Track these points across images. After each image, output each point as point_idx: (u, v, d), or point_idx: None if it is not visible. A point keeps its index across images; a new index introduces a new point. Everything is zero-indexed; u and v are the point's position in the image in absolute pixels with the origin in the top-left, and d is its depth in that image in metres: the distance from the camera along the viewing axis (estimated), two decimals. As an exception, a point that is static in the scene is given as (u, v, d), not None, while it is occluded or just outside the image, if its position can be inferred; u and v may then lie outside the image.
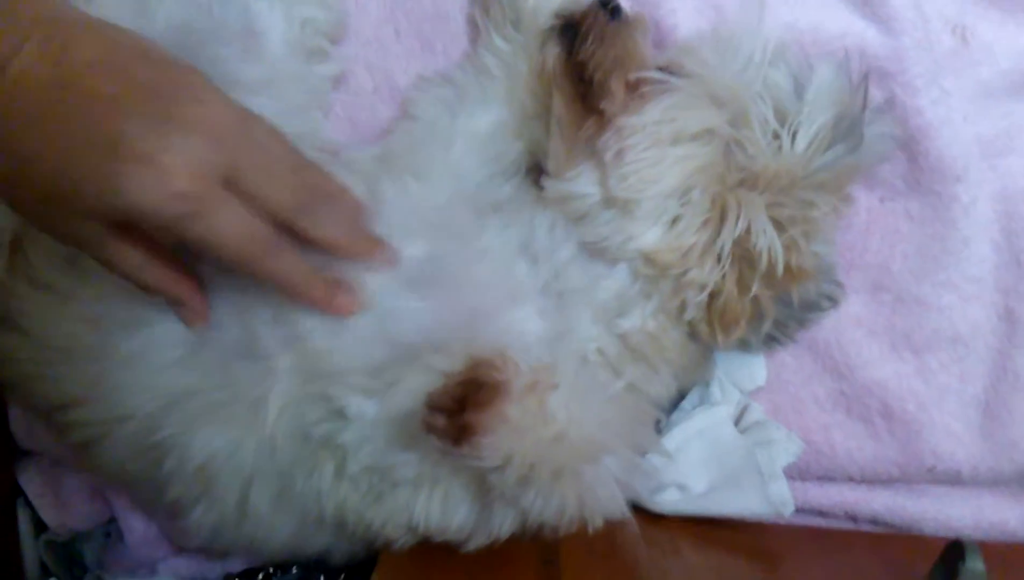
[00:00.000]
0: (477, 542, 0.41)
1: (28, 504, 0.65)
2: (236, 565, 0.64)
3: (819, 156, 0.44)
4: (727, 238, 0.43)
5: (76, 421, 0.48)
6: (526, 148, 0.53)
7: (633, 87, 0.44)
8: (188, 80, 0.38)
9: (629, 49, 0.44)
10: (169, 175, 0.35)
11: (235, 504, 0.48)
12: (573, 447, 0.38)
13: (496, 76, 0.52)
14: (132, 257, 0.39)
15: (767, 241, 0.42)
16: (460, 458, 0.37)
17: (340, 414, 0.43)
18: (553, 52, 0.47)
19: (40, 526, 0.66)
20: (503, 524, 0.41)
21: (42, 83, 0.35)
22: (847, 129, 0.44)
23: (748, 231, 0.43)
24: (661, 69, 0.46)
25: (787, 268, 0.43)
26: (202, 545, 0.59)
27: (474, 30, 0.56)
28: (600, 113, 0.44)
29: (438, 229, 0.48)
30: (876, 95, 0.50)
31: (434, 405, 0.37)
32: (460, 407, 0.37)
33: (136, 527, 0.66)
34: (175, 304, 0.43)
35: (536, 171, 0.53)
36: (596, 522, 0.39)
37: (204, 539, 0.54)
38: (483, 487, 0.40)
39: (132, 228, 0.37)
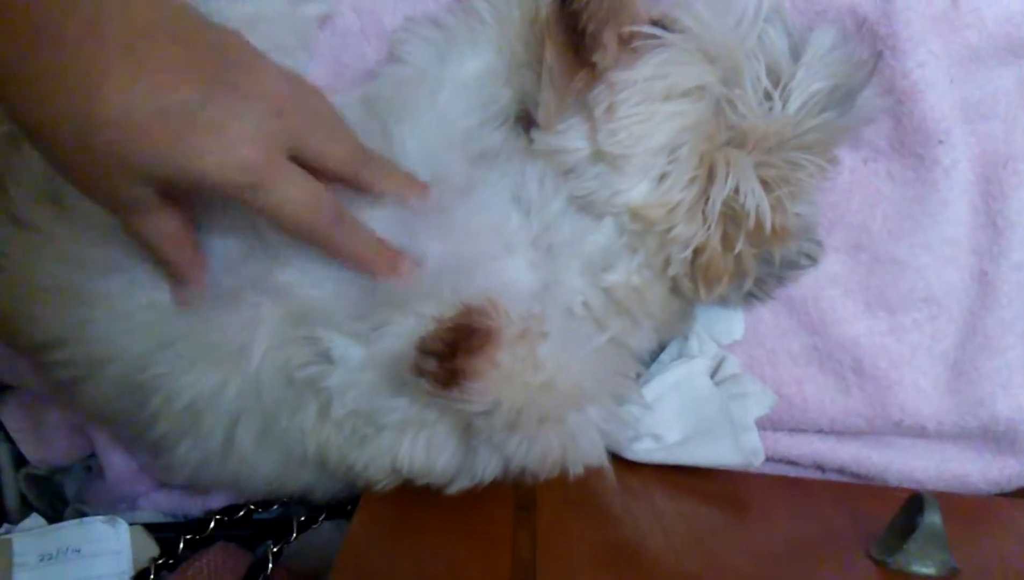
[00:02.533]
0: (459, 485, 0.43)
1: (8, 438, 0.66)
2: (217, 501, 0.65)
3: (810, 119, 0.44)
4: (715, 197, 0.44)
5: (59, 361, 0.49)
6: (516, 96, 0.54)
7: (626, 40, 0.44)
8: (241, 47, 0.39)
9: (624, 1, 0.44)
10: (238, 145, 0.36)
11: (220, 442, 0.49)
12: (559, 394, 0.40)
13: (487, 21, 0.52)
14: (165, 228, 0.41)
15: (754, 201, 0.43)
16: (449, 402, 0.39)
17: (326, 357, 0.44)
18: (547, 0, 0.47)
19: (20, 460, 0.67)
20: (486, 468, 0.42)
21: (110, 48, 0.34)
22: (841, 97, 0.44)
23: (736, 190, 0.44)
24: (655, 22, 0.46)
25: (772, 228, 0.44)
26: (185, 482, 0.61)
27: (465, -27, 0.55)
28: (592, 66, 0.44)
29: (428, 174, 0.49)
30: (864, 54, 0.50)
31: (425, 348, 0.38)
32: (451, 352, 0.38)
33: (117, 463, 0.67)
34: (180, 283, 0.44)
35: (526, 119, 0.53)
36: (576, 469, 0.41)
37: (188, 475, 0.55)
38: (468, 431, 0.42)
39: (175, 199, 0.38)
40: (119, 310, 0.46)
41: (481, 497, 0.43)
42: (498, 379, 0.38)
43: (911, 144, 0.54)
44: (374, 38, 0.58)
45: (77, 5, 0.34)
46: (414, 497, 0.44)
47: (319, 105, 0.42)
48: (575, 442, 0.41)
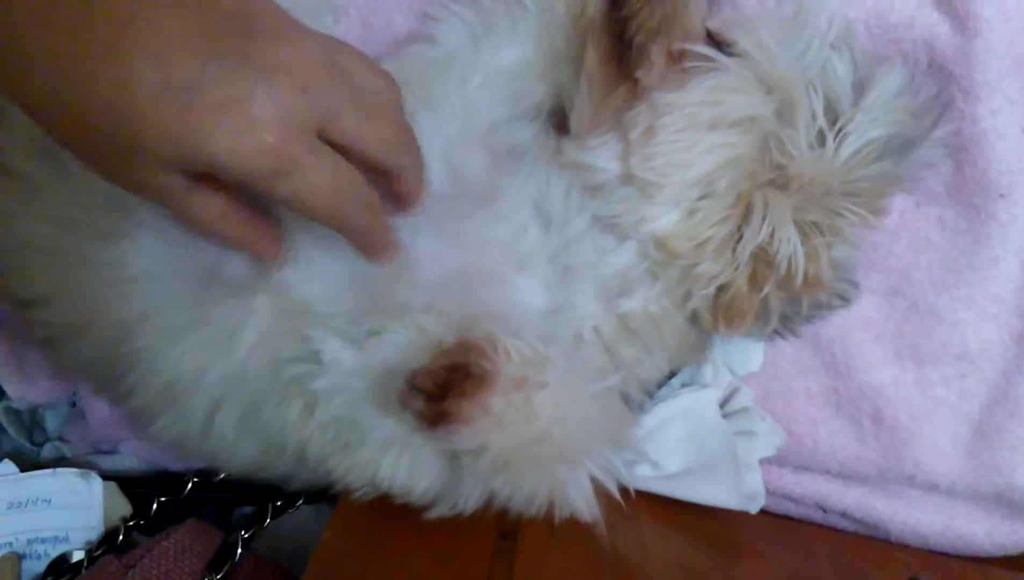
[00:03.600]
0: (440, 511, 0.42)
1: (-12, 370, 0.66)
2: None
3: (862, 167, 0.42)
4: (748, 240, 0.42)
5: (41, 321, 0.48)
6: (552, 91, 0.52)
7: (676, 58, 0.42)
8: (267, 11, 0.35)
9: (679, 11, 0.42)
10: (257, 126, 0.33)
11: (200, 422, 0.49)
12: (553, 447, 0.39)
13: (529, 9, 0.50)
14: (210, 208, 0.37)
15: (789, 250, 0.42)
16: (434, 439, 0.38)
17: (315, 358, 0.43)
18: (596, -1, 0.45)
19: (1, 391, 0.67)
20: (469, 498, 0.42)
21: (106, 19, 0.32)
22: (899, 148, 0.42)
23: (771, 235, 0.42)
24: (712, 37, 0.44)
25: (805, 278, 0.43)
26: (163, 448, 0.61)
27: (511, -52, 0.53)
28: (634, 81, 0.42)
29: (448, 166, 0.47)
30: (932, 88, 0.48)
31: (415, 385, 0.38)
32: (441, 392, 0.37)
33: (100, 409, 0.68)
34: (254, 255, 0.42)
35: (559, 116, 0.52)
36: (563, 513, 0.40)
37: (165, 446, 0.55)
38: (454, 459, 0.41)
39: (211, 177, 0.35)
40: (106, 277, 0.46)
41: (461, 521, 0.43)
42: (488, 425, 0.37)
43: (969, 193, 0.53)
44: (405, 6, 0.56)
45: None
46: (392, 512, 0.43)
47: (359, 73, 0.38)
48: (565, 491, 0.40)
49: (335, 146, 0.36)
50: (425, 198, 0.43)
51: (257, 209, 0.40)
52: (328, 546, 0.42)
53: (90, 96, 0.32)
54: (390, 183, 0.40)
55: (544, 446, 0.39)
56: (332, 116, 0.35)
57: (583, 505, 0.40)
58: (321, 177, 0.36)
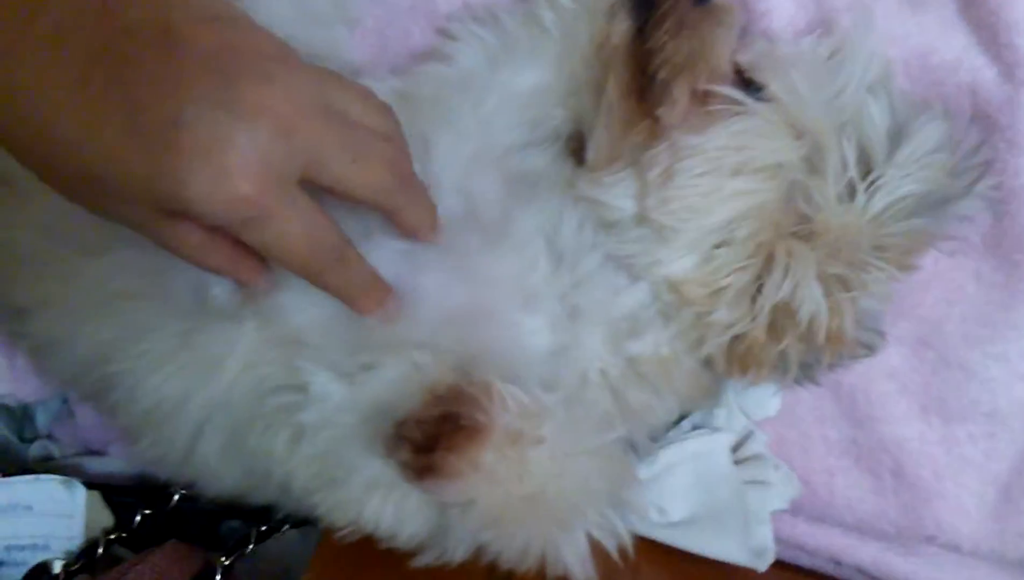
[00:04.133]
0: (426, 559, 0.41)
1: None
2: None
3: (893, 223, 0.41)
4: (768, 294, 0.41)
5: (25, 331, 0.48)
6: (569, 117, 0.51)
7: (701, 98, 0.41)
8: (258, 49, 0.34)
9: (707, 47, 0.41)
10: (232, 175, 0.32)
11: (182, 447, 0.49)
12: (547, 507, 0.38)
13: (551, 33, 0.49)
14: (190, 239, 0.36)
15: (812, 305, 0.40)
16: (420, 490, 0.37)
17: (303, 388, 0.43)
18: (621, 28, 0.44)
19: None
20: (457, 548, 0.41)
21: (79, 54, 0.31)
22: (934, 205, 0.41)
23: (793, 289, 0.41)
24: (740, 73, 0.42)
25: (827, 334, 0.41)
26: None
27: (535, -33, 0.52)
28: (655, 119, 0.41)
29: (459, 191, 0.47)
30: (975, 140, 0.46)
31: (402, 435, 0.37)
32: (430, 444, 0.36)
33: (88, 414, 0.67)
34: (238, 282, 0.42)
35: (575, 141, 0.51)
36: (556, 571, 0.39)
37: (148, 465, 0.55)
38: (442, 508, 0.40)
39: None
40: (88, 292, 0.45)
41: (450, 568, 0.42)
42: (477, 482, 0.36)
43: (1008, 248, 0.51)
44: (424, 19, 0.56)
45: (45, 10, 0.31)
46: (375, 556, 0.43)
47: (351, 110, 0.37)
48: (558, 550, 0.39)
49: (324, 188, 0.36)
50: (437, 232, 0.43)
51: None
52: (309, 589, 0.41)
53: (58, 132, 0.31)
54: (391, 220, 0.40)
55: (537, 505, 0.38)
56: (317, 162, 0.35)
57: (578, 565, 0.39)
58: (294, 228, 0.35)
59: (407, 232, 0.41)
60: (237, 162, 0.32)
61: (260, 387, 0.44)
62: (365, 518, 0.42)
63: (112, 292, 0.45)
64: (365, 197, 0.38)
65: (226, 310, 0.44)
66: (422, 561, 0.41)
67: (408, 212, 0.40)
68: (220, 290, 0.44)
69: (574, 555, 0.39)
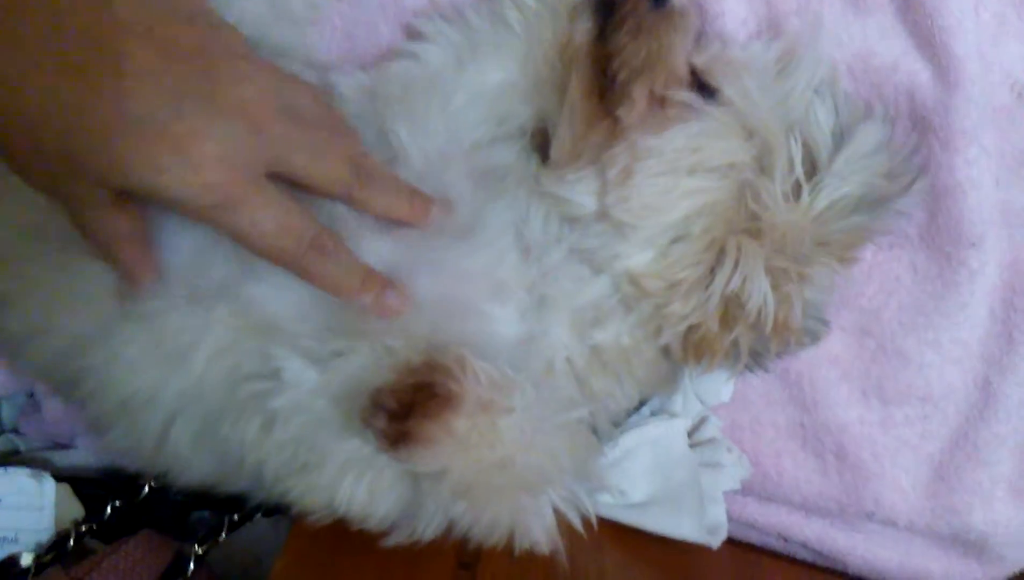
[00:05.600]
0: (397, 538, 0.42)
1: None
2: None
3: (835, 220, 0.43)
4: (719, 285, 0.43)
5: None
6: (535, 114, 0.52)
7: (658, 102, 0.43)
8: (233, 50, 0.37)
9: (664, 49, 0.43)
10: (202, 165, 0.35)
11: (154, 437, 0.49)
12: (515, 474, 0.39)
13: (516, 33, 0.50)
14: (117, 227, 0.39)
15: (760, 298, 0.43)
16: (394, 459, 0.38)
17: (275, 375, 0.43)
18: (583, 29, 0.45)
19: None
20: (429, 525, 0.42)
21: (72, 41, 0.33)
22: (873, 204, 0.44)
23: (743, 282, 0.43)
24: (696, 77, 0.44)
25: (774, 324, 0.44)
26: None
27: (501, -35, 0.53)
28: (615, 119, 0.43)
29: (427, 186, 0.48)
30: (912, 144, 0.49)
31: (378, 403, 0.38)
32: (405, 412, 0.37)
33: (55, 406, 0.67)
34: (129, 281, 0.43)
35: (540, 136, 0.52)
36: (523, 545, 0.41)
37: (119, 455, 0.55)
38: (415, 485, 0.41)
39: (129, 199, 0.37)
40: (63, 286, 0.45)
41: (420, 549, 0.43)
42: (450, 448, 0.37)
43: (941, 241, 0.54)
44: (393, 17, 0.56)
45: (39, 3, 0.33)
46: (348, 540, 0.43)
47: (315, 114, 0.40)
48: (526, 521, 0.40)
49: (290, 181, 0.38)
50: (424, 215, 0.45)
51: (150, 245, 0.42)
52: (281, 576, 0.42)
53: (46, 118, 0.33)
54: (364, 210, 0.42)
55: (507, 473, 0.39)
56: (282, 158, 0.38)
57: (543, 536, 0.40)
58: (266, 216, 0.38)
59: (390, 219, 0.43)
60: (211, 153, 0.35)
61: (232, 375, 0.45)
62: (338, 501, 0.42)
63: (90, 287, 0.45)
64: (327, 189, 0.40)
65: (198, 298, 0.44)
66: (393, 541, 0.42)
67: (377, 201, 0.43)
68: (196, 281, 0.44)
69: (540, 526, 0.40)
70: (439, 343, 0.41)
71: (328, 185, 0.40)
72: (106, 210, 0.38)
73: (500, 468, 0.39)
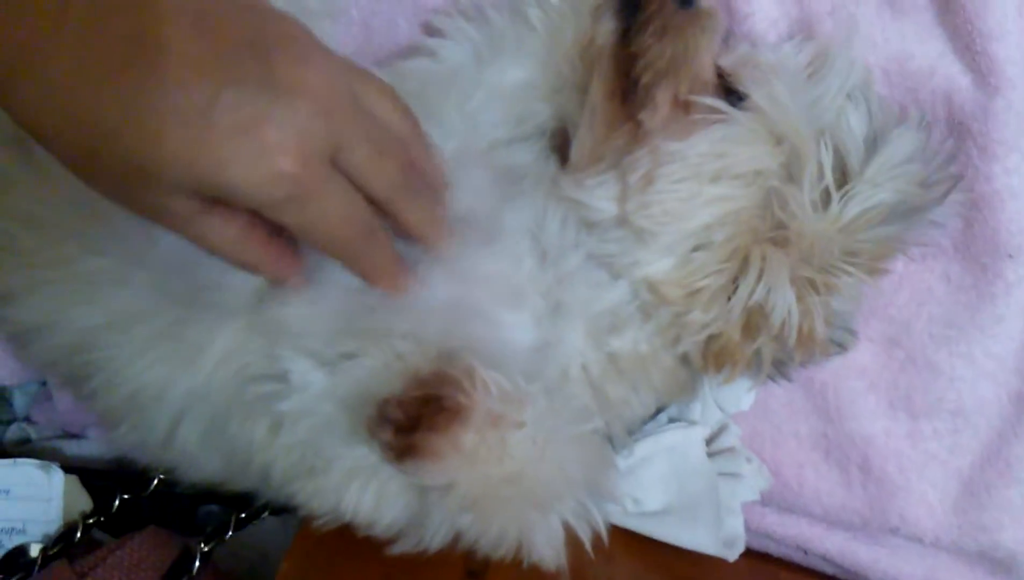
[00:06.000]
0: (404, 546, 0.42)
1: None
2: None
3: (865, 230, 0.42)
4: (742, 295, 0.42)
5: (5, 317, 0.48)
6: (555, 114, 0.52)
7: (682, 106, 0.42)
8: (290, 34, 0.35)
9: (691, 51, 0.42)
10: (273, 151, 0.32)
11: (162, 434, 0.49)
12: (525, 488, 0.39)
13: (537, 31, 0.49)
14: (227, 233, 0.36)
15: (784, 308, 0.42)
16: (401, 471, 0.38)
17: (284, 377, 0.43)
18: (606, 29, 0.44)
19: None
20: (435, 535, 0.41)
21: (115, 38, 0.31)
22: (904, 214, 0.42)
23: (767, 293, 0.42)
24: (723, 80, 0.43)
25: (799, 336, 0.42)
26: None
27: (524, -38, 0.52)
28: (637, 122, 0.42)
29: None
30: (948, 151, 0.48)
31: (385, 415, 0.37)
32: (412, 425, 0.37)
33: (66, 398, 0.67)
34: (273, 281, 0.42)
35: (560, 137, 0.51)
36: (530, 559, 0.40)
37: (127, 451, 0.55)
38: (421, 494, 0.41)
39: (226, 201, 0.34)
40: (74, 280, 0.45)
41: (427, 557, 0.43)
42: (458, 463, 0.37)
43: (977, 251, 0.53)
44: (411, 10, 0.56)
45: (80, 6, 0.31)
46: (355, 544, 0.43)
47: (380, 107, 0.38)
48: (534, 536, 0.39)
49: (346, 174, 0.36)
50: (440, 242, 0.43)
51: (275, 228, 0.39)
52: (287, 578, 0.41)
53: (98, 120, 0.31)
54: (392, 221, 0.40)
55: (516, 487, 0.38)
56: (347, 148, 0.35)
57: (551, 552, 0.39)
58: (333, 206, 0.36)
59: (408, 233, 0.41)
60: (276, 139, 0.32)
61: (241, 375, 0.44)
62: (344, 506, 0.42)
63: (97, 281, 0.45)
64: (378, 190, 0.38)
65: (218, 300, 0.44)
66: (400, 549, 0.42)
67: (411, 214, 0.40)
68: (215, 281, 0.44)
69: (547, 542, 0.40)
70: (450, 349, 0.41)
71: (379, 184, 0.38)
72: (205, 219, 0.35)
73: (509, 483, 0.38)
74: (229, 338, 0.44)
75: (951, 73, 0.49)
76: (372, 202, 0.38)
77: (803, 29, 0.51)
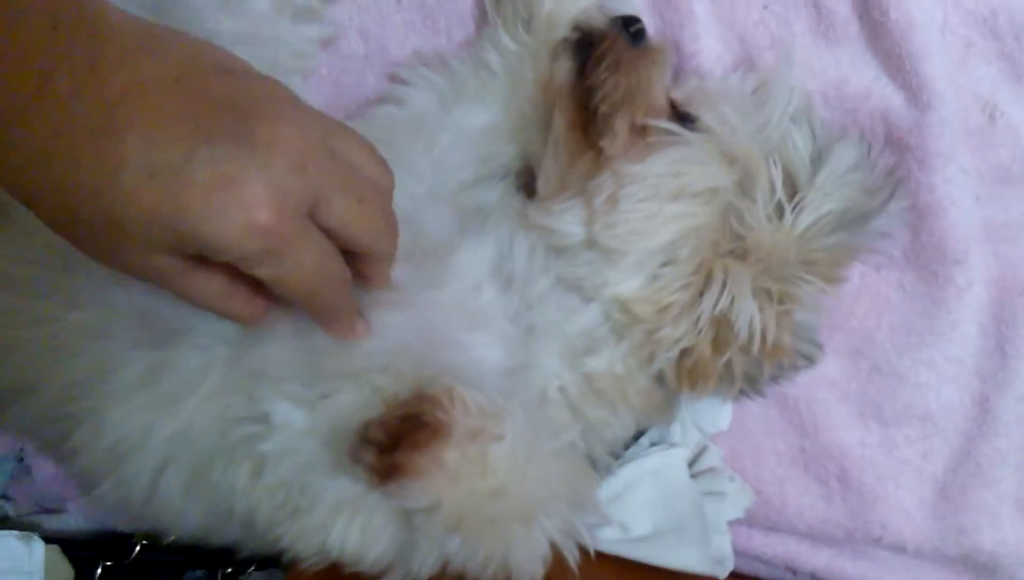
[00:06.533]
0: (393, 579, 0.42)
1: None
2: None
3: (818, 239, 0.45)
4: (707, 307, 0.44)
5: None
6: (519, 153, 0.54)
7: (640, 131, 0.45)
8: (268, 93, 0.36)
9: (643, 83, 0.45)
10: (249, 206, 0.33)
11: (145, 485, 0.49)
12: (509, 504, 0.39)
13: (497, 75, 0.52)
14: (211, 287, 0.38)
15: (747, 318, 0.44)
16: (385, 495, 0.38)
17: (264, 418, 0.43)
18: (564, 68, 0.47)
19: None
20: (423, 565, 0.41)
21: (95, 105, 0.32)
22: (854, 221, 0.45)
23: (731, 304, 0.44)
24: (675, 109, 0.46)
25: (764, 345, 0.45)
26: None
27: (482, 15, 0.56)
28: (599, 150, 0.45)
29: (409, 228, 0.49)
30: (888, 162, 0.51)
31: (366, 437, 0.38)
32: (393, 444, 0.37)
33: (46, 466, 0.67)
34: (242, 322, 0.42)
35: (526, 176, 0.54)
36: (519, 579, 0.40)
37: (110, 511, 0.55)
38: (408, 523, 0.41)
39: (206, 256, 0.35)
40: (54, 337, 0.46)
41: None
42: (441, 479, 0.37)
43: (926, 259, 0.56)
44: (378, 66, 0.59)
45: (58, 67, 0.32)
46: (343, 580, 0.43)
47: (358, 160, 0.39)
48: (521, 553, 0.40)
49: (322, 228, 0.37)
50: (389, 283, 0.44)
51: (261, 285, 0.39)
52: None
53: (78, 182, 0.32)
54: (361, 266, 0.41)
55: (500, 503, 0.38)
56: (326, 199, 0.36)
57: (538, 569, 0.40)
58: (308, 259, 0.36)
59: (372, 279, 0.43)
60: (253, 194, 0.33)
61: (222, 418, 0.45)
62: (331, 543, 0.42)
63: (77, 335, 0.46)
64: (363, 240, 0.39)
65: (196, 342, 0.45)
66: None
67: (387, 261, 0.42)
68: (188, 324, 0.45)
69: (535, 560, 0.40)
70: (426, 376, 0.42)
71: (366, 236, 0.39)
72: (187, 276, 0.36)
73: (493, 498, 0.39)
74: (210, 381, 0.45)
75: (885, 93, 0.53)
76: (351, 249, 0.40)
77: (746, 62, 0.54)
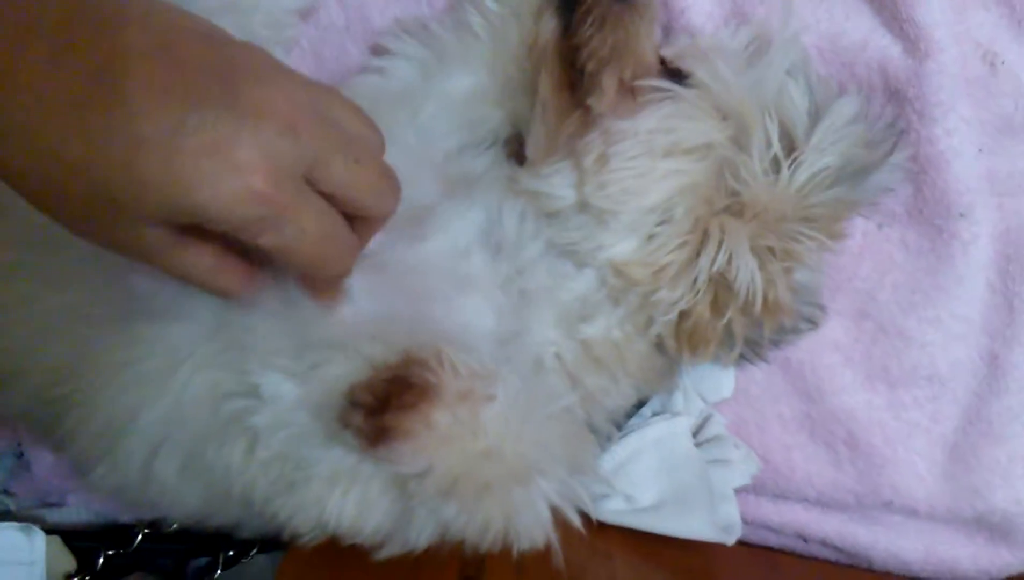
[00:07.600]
0: (391, 550, 0.41)
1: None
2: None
3: (816, 193, 0.44)
4: (704, 266, 0.44)
5: None
6: (506, 118, 0.54)
7: (629, 90, 0.44)
8: (253, 59, 0.36)
9: (631, 39, 0.44)
10: (242, 170, 0.33)
11: (139, 468, 0.48)
12: (504, 465, 0.39)
13: (481, 38, 0.52)
14: (201, 261, 0.37)
15: (747, 276, 0.43)
16: (376, 459, 0.38)
17: (255, 392, 0.43)
18: (548, 27, 0.47)
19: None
20: (421, 534, 0.41)
21: (76, 74, 0.32)
22: (853, 174, 0.45)
23: (729, 262, 0.44)
24: (666, 65, 0.46)
25: (765, 303, 0.44)
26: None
27: (464, -20, 0.55)
28: (587, 109, 0.44)
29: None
30: (889, 115, 0.50)
31: (354, 400, 0.38)
32: (382, 406, 0.37)
33: (45, 458, 0.67)
34: (232, 296, 0.42)
35: (515, 143, 0.53)
36: (521, 545, 0.40)
37: (107, 495, 0.55)
38: (404, 492, 0.40)
39: (198, 228, 0.35)
40: (38, 318, 0.46)
41: (421, 563, 0.43)
42: (432, 441, 0.37)
43: (930, 214, 0.55)
44: (360, 36, 0.58)
45: (37, 34, 0.32)
46: (344, 559, 0.43)
47: (349, 121, 0.38)
48: (520, 517, 0.39)
49: (321, 192, 0.37)
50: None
51: (249, 257, 0.40)
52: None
53: (64, 155, 0.32)
54: (360, 228, 0.41)
55: (494, 464, 0.38)
56: (322, 161, 0.36)
57: (539, 532, 0.39)
58: (312, 226, 0.36)
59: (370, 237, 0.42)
60: (245, 158, 0.33)
61: (213, 394, 0.44)
62: (327, 516, 0.42)
63: (61, 316, 0.46)
64: (365, 201, 0.38)
65: (177, 314, 0.44)
66: (387, 553, 0.41)
67: (384, 223, 0.42)
68: (169, 297, 0.45)
69: (536, 524, 0.39)
70: (417, 342, 0.41)
71: (365, 195, 0.38)
72: (178, 250, 0.36)
73: (486, 459, 0.38)
74: (195, 357, 0.45)
75: (882, 44, 0.52)
76: (353, 210, 0.39)
77: (737, 18, 0.54)
